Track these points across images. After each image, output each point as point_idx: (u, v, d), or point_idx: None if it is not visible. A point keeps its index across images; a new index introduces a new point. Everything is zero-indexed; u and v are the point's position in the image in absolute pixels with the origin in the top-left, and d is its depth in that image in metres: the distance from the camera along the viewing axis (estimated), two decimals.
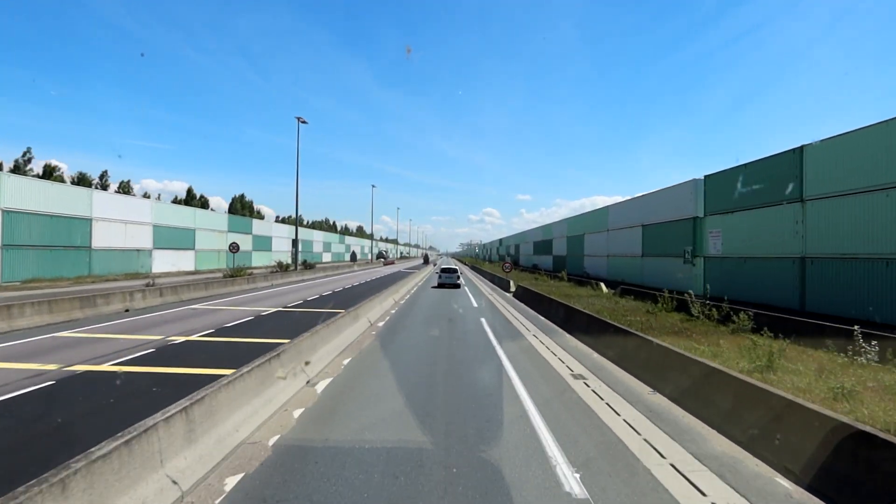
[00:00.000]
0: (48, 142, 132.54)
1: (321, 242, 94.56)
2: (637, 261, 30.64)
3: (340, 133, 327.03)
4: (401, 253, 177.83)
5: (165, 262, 42.89)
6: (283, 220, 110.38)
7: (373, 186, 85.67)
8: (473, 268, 73.49)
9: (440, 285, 30.62)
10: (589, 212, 41.98)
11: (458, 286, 30.79)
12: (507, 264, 29.78)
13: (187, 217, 47.86)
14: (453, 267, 34.37)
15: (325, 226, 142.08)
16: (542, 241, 60.97)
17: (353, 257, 65.27)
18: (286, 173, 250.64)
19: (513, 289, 27.62)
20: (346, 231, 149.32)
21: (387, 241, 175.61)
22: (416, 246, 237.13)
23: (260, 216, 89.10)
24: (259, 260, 62.21)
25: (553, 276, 39.41)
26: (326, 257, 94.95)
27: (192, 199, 67.22)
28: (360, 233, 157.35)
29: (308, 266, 46.55)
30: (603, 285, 26.30)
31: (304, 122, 38.89)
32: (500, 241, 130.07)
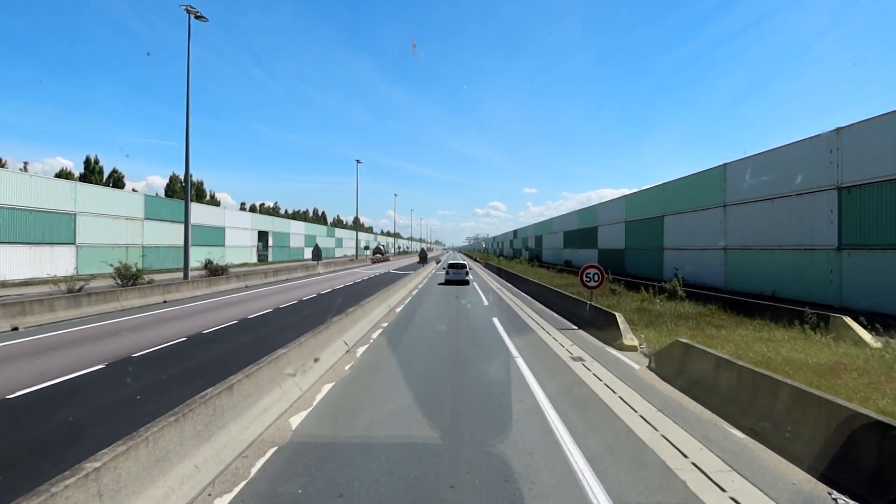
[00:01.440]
0: (55, 141, 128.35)
1: (302, 235, 79.34)
2: (825, 257, 15.59)
3: (345, 129, 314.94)
4: (400, 248, 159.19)
5: (9, 265, 28.81)
6: (252, 209, 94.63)
7: (357, 162, 68.99)
8: (488, 266, 57.56)
9: (447, 282, 29.81)
10: (679, 179, 26.82)
11: (466, 283, 29.90)
12: (592, 270, 12.98)
13: (59, 195, 32.35)
14: (461, 262, 32.81)
15: (313, 217, 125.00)
16: (578, 231, 46.69)
17: (317, 254, 49.27)
18: (294, 170, 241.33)
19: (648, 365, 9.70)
20: (339, 223, 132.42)
21: (388, 234, 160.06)
22: (421, 240, 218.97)
23: (215, 202, 74.07)
24: (203, 258, 48.08)
25: (635, 284, 24.50)
26: (309, 253, 79.72)
27: (91, 174, 51.65)
28: (357, 226, 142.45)
29: (216, 271, 31.12)
30: (862, 330, 10.52)
31: (201, 17, 24.17)
32: (515, 232, 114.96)
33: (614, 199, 38.52)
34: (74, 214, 33.89)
